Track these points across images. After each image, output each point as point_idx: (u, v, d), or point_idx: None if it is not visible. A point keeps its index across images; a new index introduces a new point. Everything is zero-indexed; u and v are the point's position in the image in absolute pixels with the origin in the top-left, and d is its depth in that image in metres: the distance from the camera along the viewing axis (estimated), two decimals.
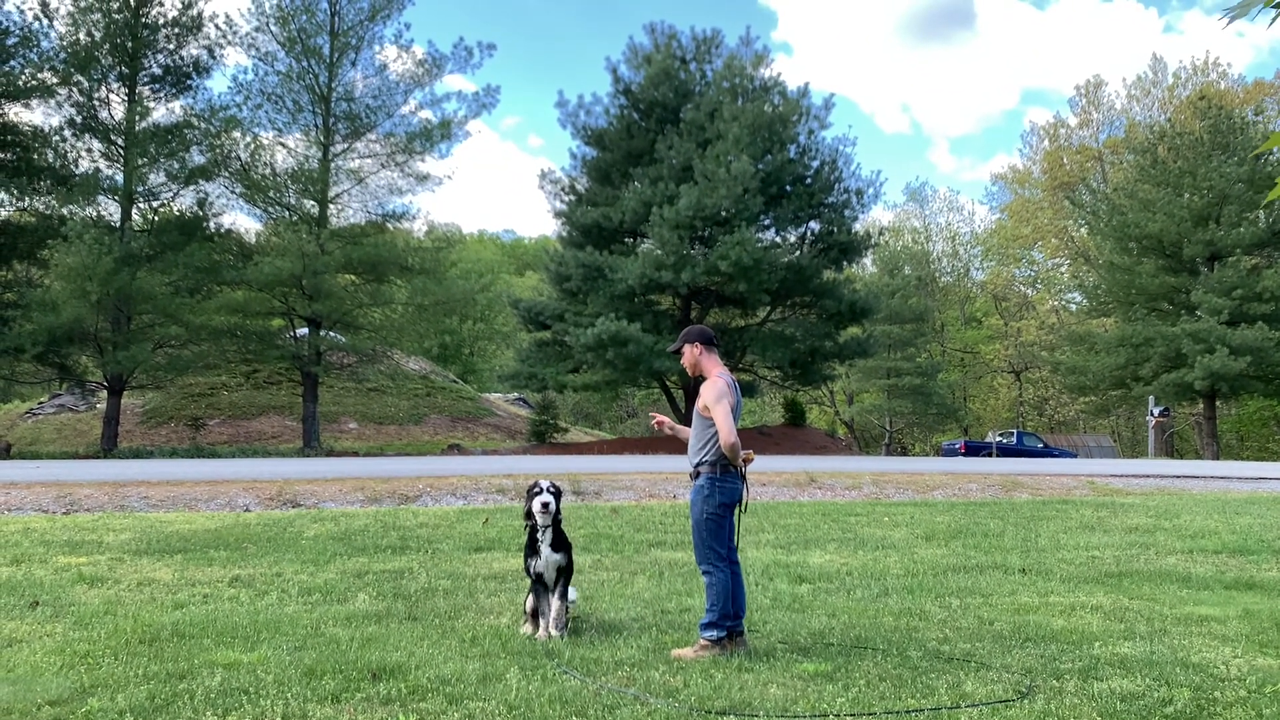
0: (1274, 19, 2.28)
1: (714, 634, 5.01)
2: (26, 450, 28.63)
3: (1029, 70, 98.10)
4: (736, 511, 5.24)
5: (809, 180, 32.15)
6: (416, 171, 30.32)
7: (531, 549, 5.46)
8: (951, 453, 37.43)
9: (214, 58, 29.41)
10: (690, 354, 5.37)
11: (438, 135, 29.51)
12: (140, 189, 27.72)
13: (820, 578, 7.50)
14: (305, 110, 29.18)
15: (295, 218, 29.08)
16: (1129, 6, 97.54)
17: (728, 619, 5.06)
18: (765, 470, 15.13)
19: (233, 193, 28.83)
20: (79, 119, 27.80)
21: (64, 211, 26.57)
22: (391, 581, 7.17)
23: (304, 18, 28.54)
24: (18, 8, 33.40)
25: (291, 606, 6.27)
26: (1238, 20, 2.24)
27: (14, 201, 27.78)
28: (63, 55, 27.10)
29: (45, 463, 20.91)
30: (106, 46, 27.52)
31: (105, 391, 28.17)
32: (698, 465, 5.19)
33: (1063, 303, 58.06)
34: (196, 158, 27.99)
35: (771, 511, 11.82)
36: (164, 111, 29.10)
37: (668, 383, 32.69)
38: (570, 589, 5.65)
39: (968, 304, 62.94)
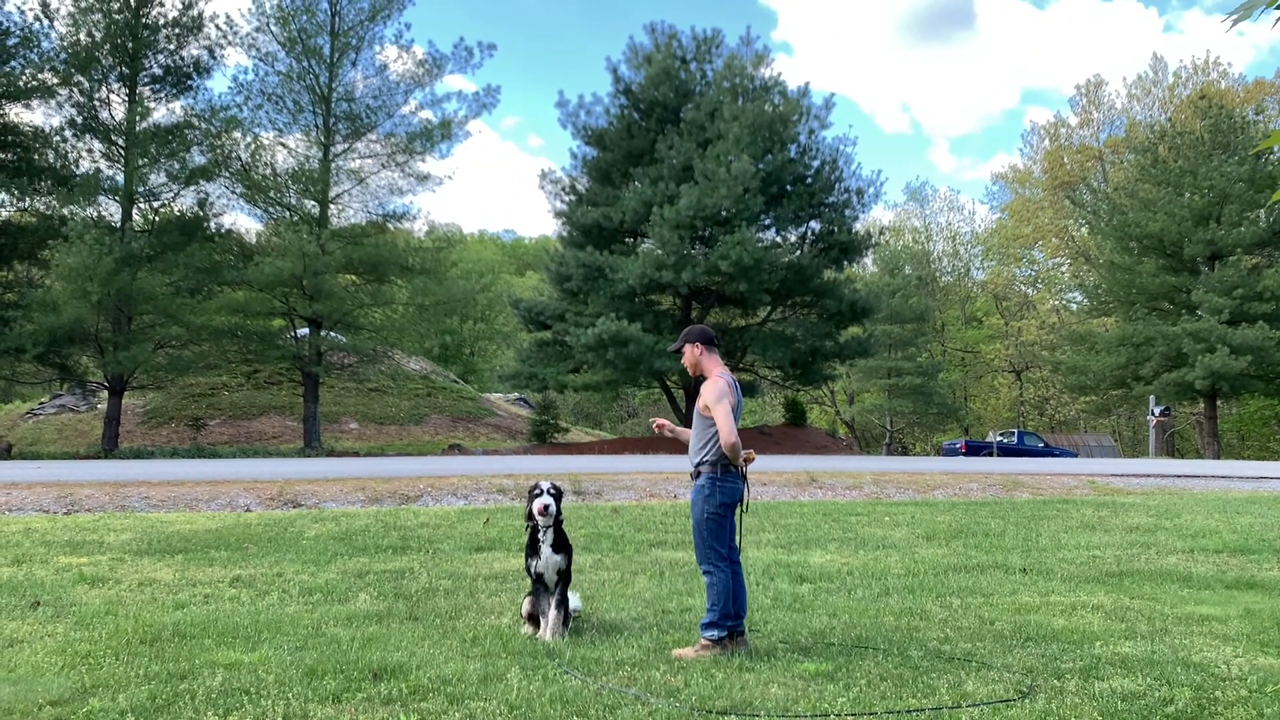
0: (1277, 20, 2.27)
1: (715, 634, 5.01)
2: (27, 450, 28.64)
3: (1029, 70, 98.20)
4: (738, 511, 5.24)
5: (809, 180, 32.14)
6: (417, 171, 30.36)
7: (533, 549, 5.46)
8: (952, 452, 37.43)
9: (214, 58, 29.45)
10: (691, 354, 5.37)
11: (438, 135, 29.52)
12: (141, 189, 27.72)
13: (821, 577, 7.50)
14: (306, 110, 29.20)
15: (296, 218, 29.08)
16: (1129, 6, 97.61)
17: (729, 619, 5.06)
18: (766, 470, 15.12)
19: (233, 193, 28.86)
20: (79, 119, 27.81)
21: (65, 212, 26.58)
22: (392, 581, 7.17)
23: (304, 18, 28.55)
24: (18, 8, 33.57)
25: (292, 606, 6.27)
26: (1241, 22, 2.24)
27: (15, 202, 27.79)
28: (63, 55, 27.11)
29: (46, 463, 20.92)
30: (107, 47, 27.52)
31: (106, 392, 28.18)
32: (698, 465, 5.19)
33: (1063, 302, 58.07)
34: (197, 158, 28.00)
35: (772, 511, 11.81)
36: (164, 112, 29.18)
37: (668, 383, 32.68)
38: (573, 596, 5.63)
39: (968, 304, 62.93)
